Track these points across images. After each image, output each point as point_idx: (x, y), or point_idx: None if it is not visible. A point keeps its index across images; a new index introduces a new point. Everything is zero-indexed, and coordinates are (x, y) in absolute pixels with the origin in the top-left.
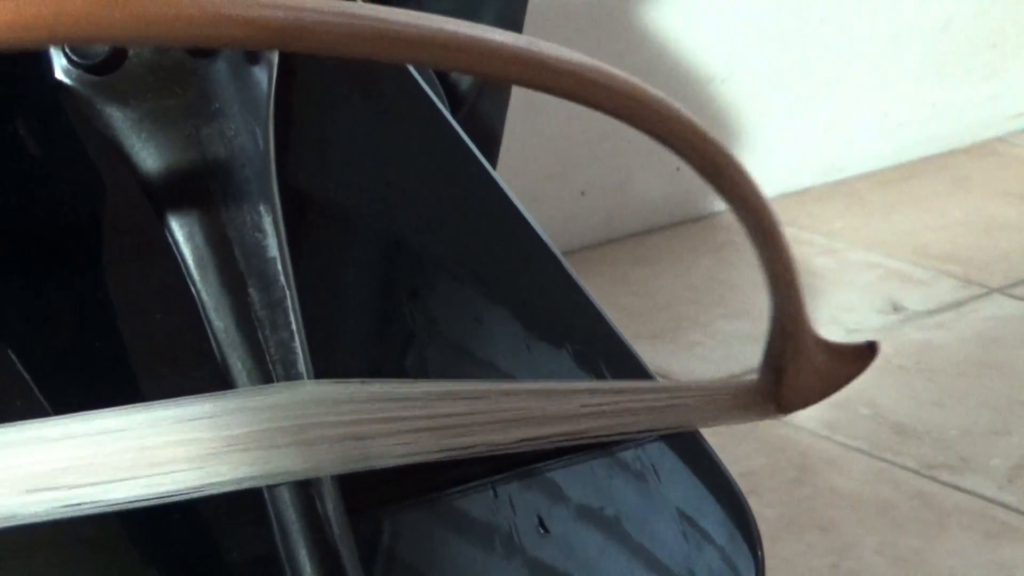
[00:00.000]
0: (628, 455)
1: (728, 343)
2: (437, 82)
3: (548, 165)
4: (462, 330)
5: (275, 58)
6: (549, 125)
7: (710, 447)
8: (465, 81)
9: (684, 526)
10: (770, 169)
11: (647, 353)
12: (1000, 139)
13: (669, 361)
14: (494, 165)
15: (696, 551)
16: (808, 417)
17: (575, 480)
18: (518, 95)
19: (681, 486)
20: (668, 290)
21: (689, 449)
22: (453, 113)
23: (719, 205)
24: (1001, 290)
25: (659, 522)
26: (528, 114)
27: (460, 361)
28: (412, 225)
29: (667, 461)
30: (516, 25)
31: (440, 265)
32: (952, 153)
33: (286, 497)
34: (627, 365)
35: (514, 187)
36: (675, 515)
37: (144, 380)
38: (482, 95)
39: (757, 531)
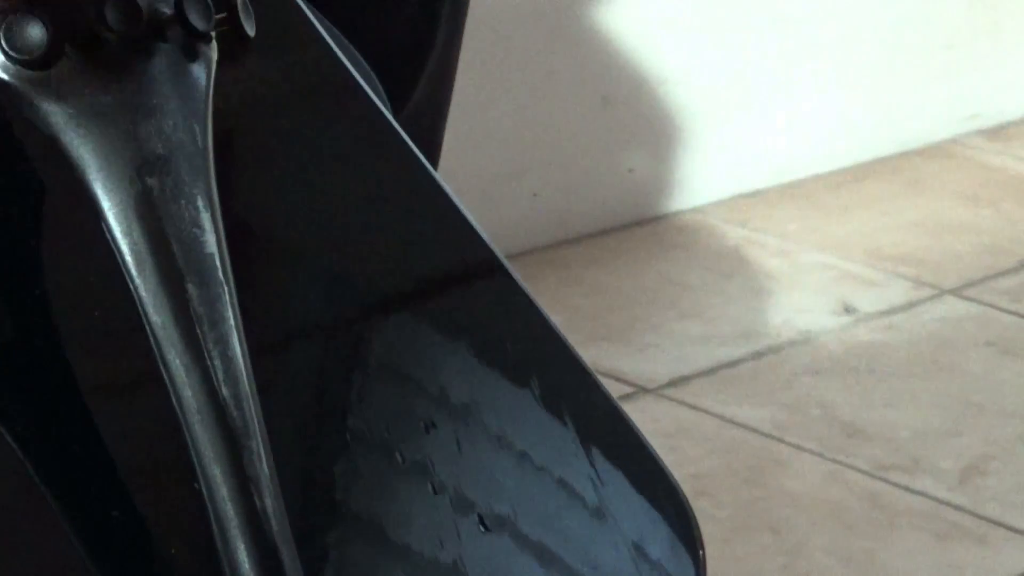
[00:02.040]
0: (568, 455)
1: (681, 344)
2: (378, 83)
3: (501, 166)
4: (401, 331)
5: (214, 55)
6: (502, 126)
7: (652, 448)
8: (406, 83)
9: (624, 526)
10: (723, 171)
11: (600, 354)
12: (954, 141)
13: (621, 362)
14: (435, 166)
15: (636, 551)
16: (760, 418)
17: (515, 479)
18: (470, 96)
19: (621, 486)
20: (621, 291)
21: (630, 450)
22: (395, 114)
23: (672, 206)
24: (954, 292)
25: (598, 521)
26: (480, 115)
27: (398, 361)
28: (351, 227)
29: (607, 462)
30: (458, 27)
31: (379, 267)
32: (906, 155)
33: (224, 494)
34: (567, 366)
35: (467, 188)
36: (615, 514)
37: (81, 375)
38: (424, 96)
39: (699, 531)
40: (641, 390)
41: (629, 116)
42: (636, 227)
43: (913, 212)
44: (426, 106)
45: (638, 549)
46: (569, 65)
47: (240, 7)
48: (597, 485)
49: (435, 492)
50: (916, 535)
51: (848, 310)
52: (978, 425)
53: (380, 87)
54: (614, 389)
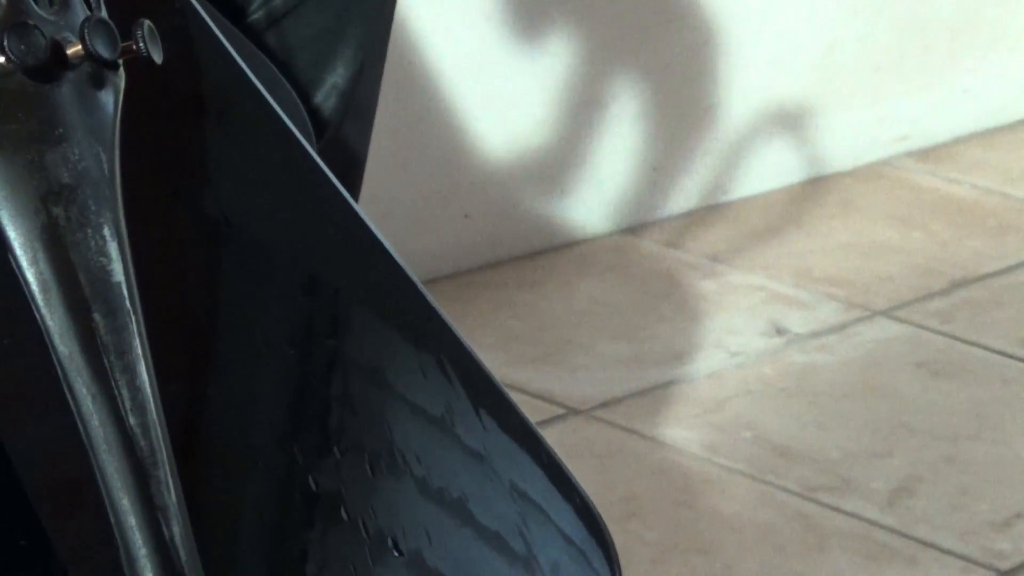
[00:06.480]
0: (483, 479)
1: (612, 366)
2: (302, 107)
3: (431, 188)
4: (316, 355)
5: (121, 83)
6: (432, 147)
7: (569, 471)
8: (328, 106)
9: (540, 549)
10: (654, 192)
11: (531, 376)
12: (885, 162)
13: (552, 384)
14: (358, 189)
15: (553, 575)
16: (690, 440)
17: (427, 501)
18: (399, 116)
19: (537, 510)
20: (552, 313)
21: (547, 473)
22: (317, 138)
23: (603, 228)
24: (884, 313)
25: (515, 544)
26: (411, 136)
27: (314, 383)
28: (266, 253)
29: (523, 486)
30: (382, 42)
31: (295, 291)
32: (837, 176)
33: (132, 522)
34: (484, 389)
35: (397, 209)
36: (531, 539)
37: None
38: (346, 120)
39: (616, 555)
40: (572, 411)
41: (560, 136)
42: (568, 248)
43: (844, 234)
44: (349, 130)
45: (554, 572)
46: (486, 88)
47: (147, 34)
48: (512, 509)
49: (348, 518)
50: (846, 556)
51: (779, 331)
52: (908, 446)
53: (304, 114)
54: (545, 411)
